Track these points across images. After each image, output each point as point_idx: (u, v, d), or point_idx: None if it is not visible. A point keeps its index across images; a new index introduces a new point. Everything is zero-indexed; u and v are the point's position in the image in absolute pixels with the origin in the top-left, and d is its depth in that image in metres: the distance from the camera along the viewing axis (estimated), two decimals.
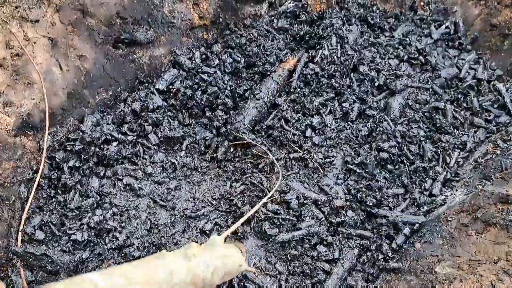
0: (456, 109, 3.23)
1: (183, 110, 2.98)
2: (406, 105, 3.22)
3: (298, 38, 3.60)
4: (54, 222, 2.31)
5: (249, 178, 2.63)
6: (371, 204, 2.60)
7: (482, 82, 3.40)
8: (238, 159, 2.79)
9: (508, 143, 2.82)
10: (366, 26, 3.76)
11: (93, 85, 2.82)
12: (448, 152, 2.96)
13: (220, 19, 3.45)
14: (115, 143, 2.70)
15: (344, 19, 3.66)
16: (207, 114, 3.00)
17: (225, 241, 2.39)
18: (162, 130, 2.81)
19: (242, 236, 2.42)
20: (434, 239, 2.37)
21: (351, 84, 3.29)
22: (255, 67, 3.34)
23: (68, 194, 2.45)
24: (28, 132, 2.46)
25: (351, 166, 2.80)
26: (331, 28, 3.53)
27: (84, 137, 2.62)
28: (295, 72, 3.32)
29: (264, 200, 2.29)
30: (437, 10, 4.00)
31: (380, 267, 2.38)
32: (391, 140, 2.94)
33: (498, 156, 2.73)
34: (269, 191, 2.56)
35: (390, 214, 2.57)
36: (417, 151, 2.95)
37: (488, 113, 3.20)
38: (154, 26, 3.06)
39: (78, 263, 2.17)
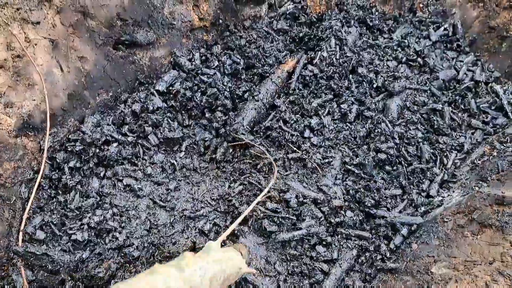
0: (453, 110, 3.26)
1: (183, 111, 3.00)
2: (404, 107, 3.24)
3: (297, 40, 3.63)
4: (54, 222, 2.33)
5: (247, 178, 2.66)
6: (369, 204, 2.62)
7: (480, 84, 3.42)
8: (236, 159, 2.81)
9: (505, 145, 2.84)
10: (365, 28, 3.78)
11: (94, 86, 2.85)
12: (445, 154, 2.99)
13: (220, 21, 3.48)
14: (115, 144, 2.73)
15: (343, 21, 3.68)
16: (207, 115, 3.03)
17: (224, 244, 2.42)
18: (161, 131, 2.83)
19: (239, 235, 2.44)
20: (431, 239, 2.39)
21: (350, 85, 3.32)
22: (254, 68, 3.36)
23: (68, 195, 2.47)
24: (29, 133, 2.48)
25: (349, 167, 2.82)
26: (330, 30, 3.55)
27: (84, 138, 2.64)
28: (294, 74, 3.34)
29: (258, 199, 2.29)
30: (436, 12, 4.02)
31: (378, 267, 2.40)
32: (389, 141, 2.96)
33: (494, 158, 2.76)
34: (268, 192, 2.58)
35: (388, 215, 2.59)
36: (415, 153, 2.98)
37: (485, 115, 3.22)
38: (154, 28, 3.08)
39: (78, 263, 2.19)
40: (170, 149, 2.87)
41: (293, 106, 3.18)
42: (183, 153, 2.86)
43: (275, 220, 2.45)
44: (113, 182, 2.61)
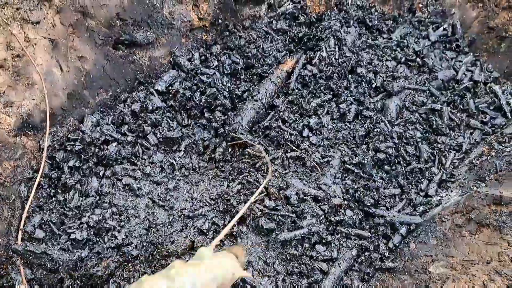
0: (452, 110, 3.26)
1: (182, 111, 3.01)
2: (403, 107, 3.25)
3: (296, 40, 3.64)
4: (54, 221, 2.34)
5: (246, 177, 2.66)
6: (368, 204, 2.63)
7: (479, 84, 3.43)
8: (235, 159, 2.82)
9: (503, 145, 2.85)
10: (364, 28, 3.79)
11: (93, 86, 2.86)
12: (444, 154, 2.99)
13: (220, 21, 3.48)
14: (114, 144, 2.73)
15: (343, 21, 3.69)
16: (206, 115, 3.03)
17: (222, 245, 2.43)
18: (161, 131, 2.84)
19: (237, 236, 2.45)
20: (429, 239, 2.40)
21: (349, 85, 3.33)
22: (253, 68, 3.37)
23: (68, 194, 2.48)
24: (29, 132, 2.49)
25: (348, 166, 2.83)
26: (330, 30, 3.56)
27: (84, 138, 2.65)
28: (293, 74, 3.35)
29: (250, 201, 2.27)
30: (435, 12, 4.02)
31: (376, 267, 2.41)
32: (388, 141, 2.97)
33: (493, 158, 2.76)
34: (266, 189, 2.59)
35: (387, 214, 2.60)
36: (414, 152, 2.98)
37: (484, 115, 3.23)
38: (153, 28, 3.09)
39: (77, 262, 2.20)
40: (169, 149, 2.87)
41: (292, 106, 3.19)
42: (182, 152, 2.86)
43: (274, 218, 2.45)
44: (112, 182, 2.62)
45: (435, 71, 3.52)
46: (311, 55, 3.43)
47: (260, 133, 2.98)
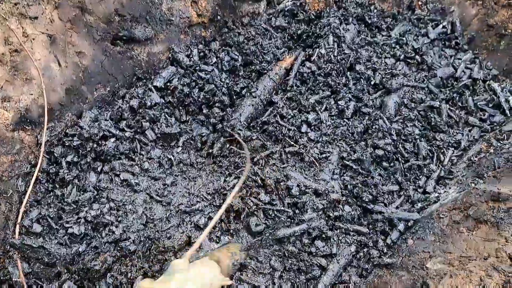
0: (451, 108, 3.26)
1: (180, 107, 3.01)
2: (401, 104, 3.25)
3: (295, 37, 3.63)
4: (51, 216, 2.34)
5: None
6: (367, 200, 2.63)
7: (478, 82, 3.42)
8: (233, 154, 2.81)
9: (502, 142, 2.84)
10: (363, 25, 3.78)
11: (91, 81, 2.86)
12: (442, 151, 2.99)
13: (218, 17, 3.48)
14: (112, 139, 2.73)
15: (342, 18, 3.68)
16: (204, 111, 3.03)
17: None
18: (159, 127, 2.84)
19: (234, 233, 2.44)
20: (426, 235, 2.39)
21: (347, 82, 3.33)
22: (252, 65, 3.37)
23: (65, 189, 2.48)
24: (26, 127, 2.49)
25: (347, 162, 2.83)
26: (329, 27, 3.55)
27: (82, 133, 2.65)
28: (292, 71, 3.35)
29: (227, 202, 2.23)
30: (435, 9, 4.02)
31: (374, 262, 2.40)
32: (386, 138, 2.97)
33: (491, 155, 2.76)
34: (263, 181, 2.58)
35: (386, 210, 2.59)
36: (412, 149, 2.98)
37: (482, 113, 3.22)
38: (152, 24, 3.09)
39: (74, 256, 2.20)
40: (168, 145, 2.87)
41: (291, 103, 3.19)
42: (180, 148, 2.86)
43: (270, 213, 2.45)
44: (110, 177, 2.62)
45: (434, 69, 3.51)
46: (310, 52, 3.43)
47: (258, 128, 2.98)
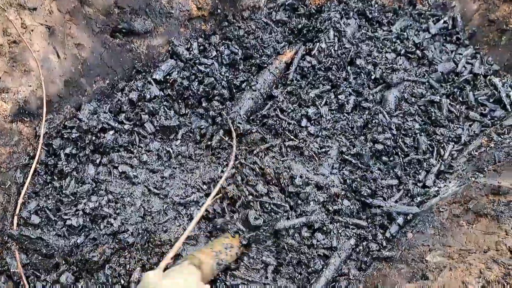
0: (451, 103, 3.24)
1: (180, 100, 3.00)
2: (402, 98, 3.23)
3: (296, 31, 3.62)
4: (49, 207, 2.33)
5: (240, 162, 2.64)
6: (365, 194, 2.62)
7: (479, 77, 3.40)
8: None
9: (503, 137, 2.83)
10: (364, 20, 3.77)
11: (90, 74, 2.84)
12: (442, 145, 2.98)
13: (219, 11, 3.47)
14: (111, 132, 2.72)
15: (342, 12, 3.67)
16: (203, 104, 3.02)
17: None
18: (158, 119, 2.83)
19: (229, 228, 2.40)
20: (426, 229, 2.38)
21: (348, 77, 3.31)
22: (252, 59, 3.36)
23: (64, 180, 2.47)
24: (25, 119, 2.48)
25: (346, 157, 2.82)
26: (329, 21, 3.54)
27: (81, 125, 2.64)
28: (292, 65, 3.33)
29: (213, 194, 2.20)
30: (436, 4, 4.00)
31: (373, 256, 2.40)
32: (386, 132, 2.96)
33: (492, 149, 2.75)
34: (262, 170, 2.56)
35: (384, 204, 2.58)
36: (412, 144, 2.97)
37: (483, 107, 3.21)
38: (152, 16, 3.08)
39: (73, 247, 2.19)
40: (167, 137, 2.86)
41: (291, 97, 3.17)
42: (179, 141, 2.85)
43: (266, 207, 2.42)
44: (108, 169, 2.61)
45: (435, 64, 3.50)
46: (310, 46, 3.41)
47: (258, 121, 2.97)
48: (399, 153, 2.91)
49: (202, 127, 2.93)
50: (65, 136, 2.60)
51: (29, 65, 2.48)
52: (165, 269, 1.82)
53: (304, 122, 2.98)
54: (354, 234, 2.47)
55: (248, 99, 3.00)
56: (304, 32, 3.55)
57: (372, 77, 3.34)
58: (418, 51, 3.55)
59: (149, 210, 2.49)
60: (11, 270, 2.09)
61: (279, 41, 3.52)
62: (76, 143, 2.62)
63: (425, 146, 2.95)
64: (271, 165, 2.57)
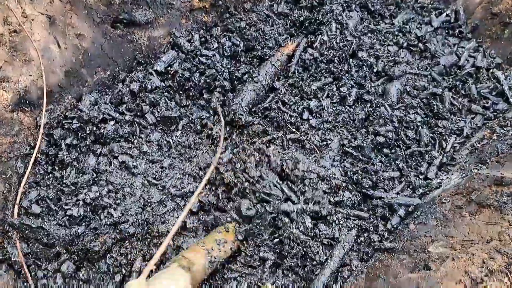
0: (454, 95, 3.23)
1: (181, 91, 2.98)
2: (404, 91, 3.22)
3: (297, 24, 3.59)
4: (50, 197, 2.32)
5: (239, 149, 2.62)
6: (367, 186, 2.61)
7: (481, 70, 3.39)
8: (234, 136, 2.79)
9: (505, 129, 2.82)
10: (366, 12, 3.75)
11: (91, 64, 2.82)
12: (444, 137, 2.96)
13: (220, 2, 3.44)
14: (112, 122, 2.71)
15: (344, 5, 3.65)
16: (205, 96, 3.01)
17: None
18: (159, 110, 2.81)
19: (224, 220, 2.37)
20: (428, 220, 2.37)
21: (350, 69, 3.30)
22: (254, 51, 3.34)
23: (64, 171, 2.46)
24: (26, 108, 2.46)
25: (347, 149, 2.81)
26: (331, 14, 3.52)
27: (81, 116, 2.63)
28: (294, 57, 3.32)
29: (198, 191, 2.15)
30: None
31: (375, 247, 2.39)
32: (388, 125, 2.94)
33: (494, 141, 2.73)
34: (265, 156, 2.54)
35: (386, 196, 2.58)
36: (414, 136, 2.96)
37: (486, 100, 3.19)
38: (153, 7, 3.05)
39: (74, 237, 2.18)
40: (167, 128, 2.84)
41: (293, 89, 3.16)
42: (180, 132, 2.83)
43: (257, 196, 2.38)
44: (109, 160, 2.60)
45: (437, 57, 3.48)
46: (312, 39, 3.40)
47: (260, 113, 2.95)
48: (401, 146, 2.90)
49: (203, 117, 2.91)
50: (66, 127, 2.59)
51: (30, 55, 2.46)
52: (155, 272, 1.76)
53: (306, 115, 2.98)
54: (356, 226, 2.46)
55: (250, 90, 2.98)
56: (306, 24, 3.53)
57: (374, 70, 3.33)
58: (420, 44, 3.53)
59: (149, 201, 2.48)
60: (12, 259, 2.08)
61: (281, 34, 3.50)
62: (76, 134, 2.61)
63: (427, 138, 2.94)
64: (276, 153, 2.56)
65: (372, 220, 2.51)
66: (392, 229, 2.46)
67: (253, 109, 2.99)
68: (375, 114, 3.01)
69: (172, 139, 2.77)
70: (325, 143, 2.84)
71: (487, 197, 2.23)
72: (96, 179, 2.49)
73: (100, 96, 2.83)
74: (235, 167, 2.48)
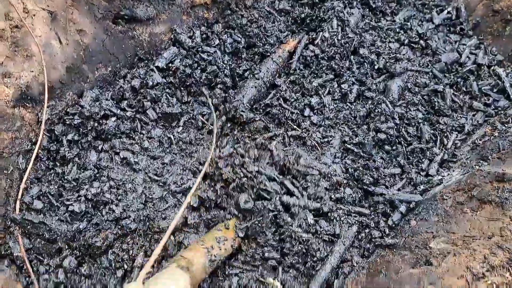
0: (455, 92, 3.23)
1: (182, 88, 2.98)
2: (405, 88, 3.22)
3: (299, 21, 3.59)
4: (52, 193, 2.32)
5: (239, 144, 2.62)
6: (368, 182, 2.61)
7: (482, 67, 3.39)
8: (235, 132, 2.79)
9: (507, 126, 2.82)
10: (367, 9, 3.75)
11: (93, 60, 2.82)
12: (445, 134, 2.97)
13: None
14: (113, 118, 2.71)
15: (346, 2, 3.65)
16: (205, 92, 3.00)
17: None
18: (160, 106, 2.81)
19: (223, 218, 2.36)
20: (430, 216, 2.38)
21: (351, 66, 3.29)
22: (255, 47, 3.34)
23: (66, 166, 2.46)
24: (27, 104, 2.46)
25: (349, 146, 2.81)
26: (333, 10, 3.52)
27: (83, 112, 2.62)
28: (295, 54, 3.32)
29: (195, 186, 2.13)
30: None
31: (376, 243, 2.39)
32: (389, 122, 2.95)
33: (496, 138, 2.74)
34: (267, 150, 2.54)
35: (387, 192, 2.58)
36: (415, 133, 2.96)
37: (487, 97, 3.19)
38: (154, 3, 3.05)
39: (75, 233, 2.18)
40: (169, 124, 2.84)
41: (294, 86, 3.16)
42: (181, 128, 2.83)
43: (254, 190, 2.37)
44: (110, 156, 2.59)
45: (439, 54, 3.48)
46: (314, 36, 3.39)
47: (261, 110, 2.95)
48: (402, 142, 2.90)
49: (204, 113, 2.91)
50: (67, 123, 2.59)
51: (31, 50, 2.46)
52: (154, 273, 1.75)
53: (307, 112, 2.97)
54: (357, 222, 2.46)
55: (251, 87, 2.98)
56: (307, 21, 3.53)
57: (376, 67, 3.33)
58: (421, 41, 3.53)
59: (150, 196, 2.48)
60: (14, 254, 2.08)
61: (282, 30, 3.50)
62: (78, 130, 2.60)
63: (428, 135, 2.94)
64: (279, 148, 2.56)
65: (373, 216, 2.51)
66: (393, 225, 2.47)
67: (254, 106, 2.99)
68: (376, 111, 3.01)
69: (173, 135, 2.77)
70: (326, 140, 2.84)
71: (489, 193, 2.24)
72: (97, 175, 2.49)
73: (102, 92, 2.83)
74: (234, 163, 2.48)
